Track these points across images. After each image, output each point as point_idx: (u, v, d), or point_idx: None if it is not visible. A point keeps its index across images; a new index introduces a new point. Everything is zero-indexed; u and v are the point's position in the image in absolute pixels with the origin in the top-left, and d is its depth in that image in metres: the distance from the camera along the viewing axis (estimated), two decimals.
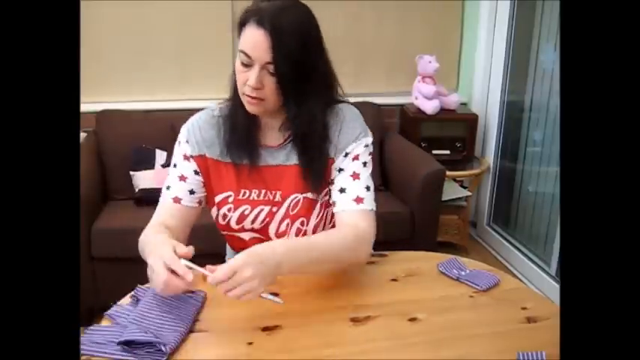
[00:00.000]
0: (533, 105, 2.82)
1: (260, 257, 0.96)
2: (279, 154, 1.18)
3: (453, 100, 2.94)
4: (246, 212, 1.19)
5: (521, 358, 0.89)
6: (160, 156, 2.59)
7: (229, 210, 1.20)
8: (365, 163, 1.16)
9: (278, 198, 1.18)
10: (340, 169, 1.16)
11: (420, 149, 2.73)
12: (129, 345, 0.87)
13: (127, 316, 0.96)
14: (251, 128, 1.16)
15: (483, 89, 3.03)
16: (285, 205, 1.18)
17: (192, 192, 1.18)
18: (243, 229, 1.21)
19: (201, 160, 1.18)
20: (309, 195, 1.17)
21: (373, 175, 1.18)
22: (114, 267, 2.21)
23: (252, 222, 1.20)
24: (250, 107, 1.10)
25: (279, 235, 1.20)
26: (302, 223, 1.18)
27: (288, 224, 1.19)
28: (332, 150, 1.16)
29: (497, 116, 2.98)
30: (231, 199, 1.19)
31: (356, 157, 1.15)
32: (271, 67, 1.04)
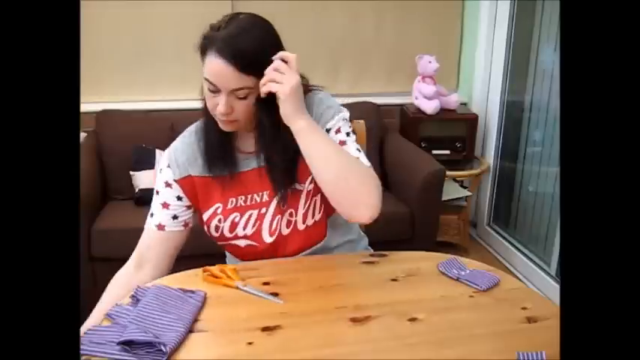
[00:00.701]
0: (533, 105, 2.82)
1: (300, 90, 1.07)
2: (259, 158, 1.18)
3: (452, 100, 2.94)
4: (236, 219, 1.20)
5: (521, 358, 0.89)
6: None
7: (220, 221, 1.20)
8: (348, 134, 1.17)
9: (265, 198, 1.19)
10: None
11: (420, 149, 2.73)
12: (129, 345, 0.87)
13: (126, 316, 0.96)
14: (226, 141, 1.18)
15: (483, 89, 3.03)
16: (274, 201, 1.19)
17: (175, 217, 1.20)
18: (236, 237, 1.22)
19: (187, 181, 1.20)
20: (296, 186, 1.18)
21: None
22: (114, 267, 2.19)
23: (244, 228, 1.20)
24: (225, 127, 1.12)
25: (272, 234, 1.20)
26: (291, 214, 1.19)
27: (278, 220, 1.20)
28: None
29: (497, 116, 2.98)
30: (219, 211, 1.20)
31: (338, 130, 1.16)
32: (240, 93, 1.06)
